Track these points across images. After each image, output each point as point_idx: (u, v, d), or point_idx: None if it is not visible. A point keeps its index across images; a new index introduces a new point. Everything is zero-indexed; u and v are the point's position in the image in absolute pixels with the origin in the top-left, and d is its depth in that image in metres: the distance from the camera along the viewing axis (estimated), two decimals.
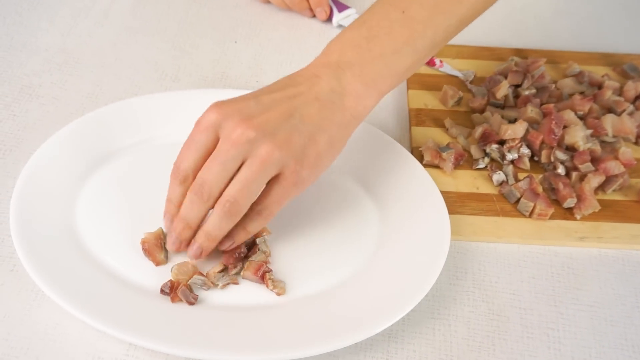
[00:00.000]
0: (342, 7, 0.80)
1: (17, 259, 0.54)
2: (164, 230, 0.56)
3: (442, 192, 0.60)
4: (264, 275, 0.54)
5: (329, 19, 0.80)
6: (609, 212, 0.62)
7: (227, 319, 0.52)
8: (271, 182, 0.52)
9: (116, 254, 0.56)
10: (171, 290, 0.53)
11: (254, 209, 0.52)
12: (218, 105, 0.51)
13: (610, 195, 0.64)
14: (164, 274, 0.55)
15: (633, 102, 0.71)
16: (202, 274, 0.54)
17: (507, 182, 0.63)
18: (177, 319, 0.52)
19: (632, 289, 0.58)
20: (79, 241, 0.56)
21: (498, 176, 0.63)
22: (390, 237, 0.58)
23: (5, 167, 0.62)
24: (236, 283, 0.55)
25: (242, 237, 0.54)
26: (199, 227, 0.53)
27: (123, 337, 0.49)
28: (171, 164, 0.62)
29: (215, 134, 0.51)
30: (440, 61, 0.75)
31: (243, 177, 0.50)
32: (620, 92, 0.72)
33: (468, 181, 0.64)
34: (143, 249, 0.55)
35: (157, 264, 0.55)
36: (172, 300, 0.53)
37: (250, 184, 0.50)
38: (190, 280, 0.54)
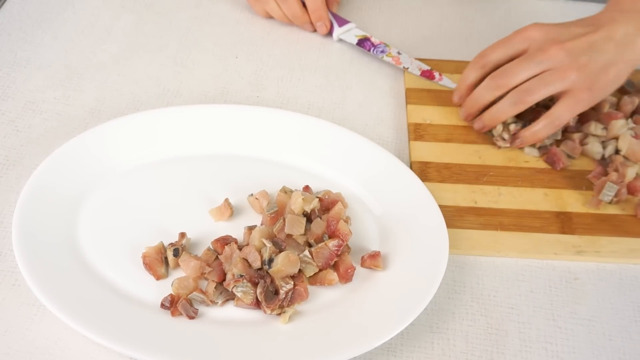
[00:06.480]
0: (342, 22, 0.81)
1: (19, 274, 0.55)
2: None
3: (441, 206, 0.61)
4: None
5: (330, 33, 0.81)
6: (607, 226, 0.63)
7: (227, 333, 0.53)
8: (558, 95, 0.64)
9: (117, 268, 0.56)
10: (171, 304, 0.54)
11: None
12: (540, 26, 0.65)
13: (608, 209, 0.64)
14: (165, 288, 0.55)
15: (630, 116, 0.72)
16: (202, 292, 0.55)
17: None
18: (178, 332, 0.52)
19: (630, 303, 0.58)
20: (81, 256, 0.56)
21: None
22: (388, 251, 0.59)
23: (8, 181, 0.63)
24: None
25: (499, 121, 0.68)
26: (487, 107, 0.67)
27: (123, 351, 0.50)
28: (173, 179, 0.63)
29: (528, 45, 0.64)
30: (440, 74, 0.76)
31: (542, 78, 0.63)
32: (617, 106, 0.72)
33: (466, 195, 0.65)
34: (144, 263, 0.56)
35: (158, 278, 0.56)
36: (173, 314, 0.53)
37: (546, 84, 0.63)
38: (190, 295, 0.54)
